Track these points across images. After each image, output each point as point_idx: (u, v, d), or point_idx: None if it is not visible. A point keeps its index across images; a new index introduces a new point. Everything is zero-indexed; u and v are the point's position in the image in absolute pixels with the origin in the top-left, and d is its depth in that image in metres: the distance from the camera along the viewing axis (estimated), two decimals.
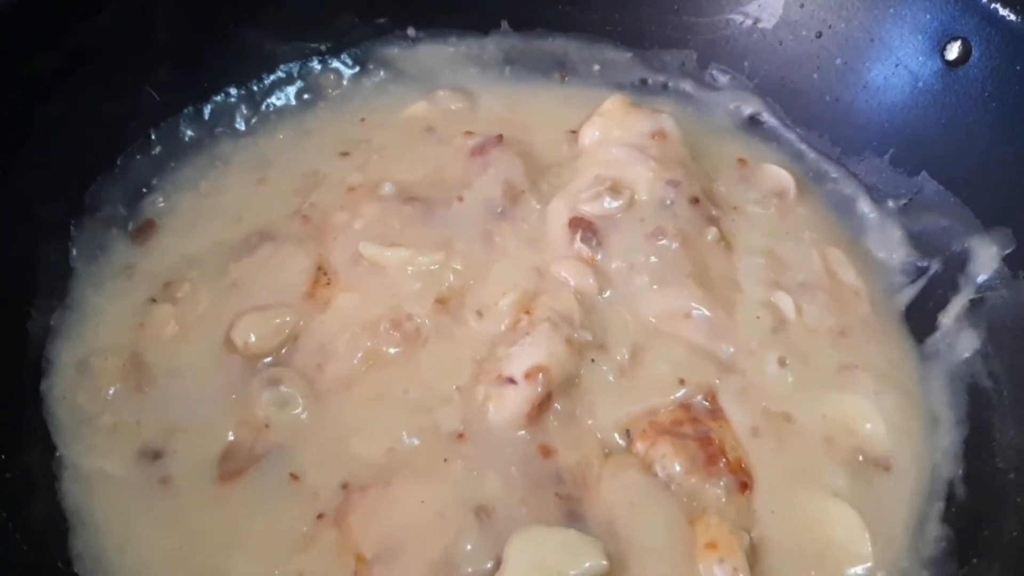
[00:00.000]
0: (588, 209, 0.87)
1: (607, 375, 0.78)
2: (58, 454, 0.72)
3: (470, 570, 0.65)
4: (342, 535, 0.68)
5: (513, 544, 0.65)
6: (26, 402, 0.74)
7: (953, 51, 0.84)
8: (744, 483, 0.73)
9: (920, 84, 0.87)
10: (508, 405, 0.74)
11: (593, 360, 0.79)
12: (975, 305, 0.79)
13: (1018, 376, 0.73)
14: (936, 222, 0.85)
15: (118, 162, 0.88)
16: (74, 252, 0.83)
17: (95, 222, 0.85)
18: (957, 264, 0.82)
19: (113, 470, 0.72)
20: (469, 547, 0.66)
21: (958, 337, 0.79)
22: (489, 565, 0.65)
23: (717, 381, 0.79)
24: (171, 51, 0.90)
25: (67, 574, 0.66)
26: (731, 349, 0.81)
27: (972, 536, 0.68)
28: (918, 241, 0.86)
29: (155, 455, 0.73)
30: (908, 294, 0.85)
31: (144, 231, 0.88)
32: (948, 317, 0.81)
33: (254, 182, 0.93)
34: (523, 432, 0.74)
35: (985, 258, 0.79)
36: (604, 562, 0.65)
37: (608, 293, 0.83)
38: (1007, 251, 0.78)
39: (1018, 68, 0.79)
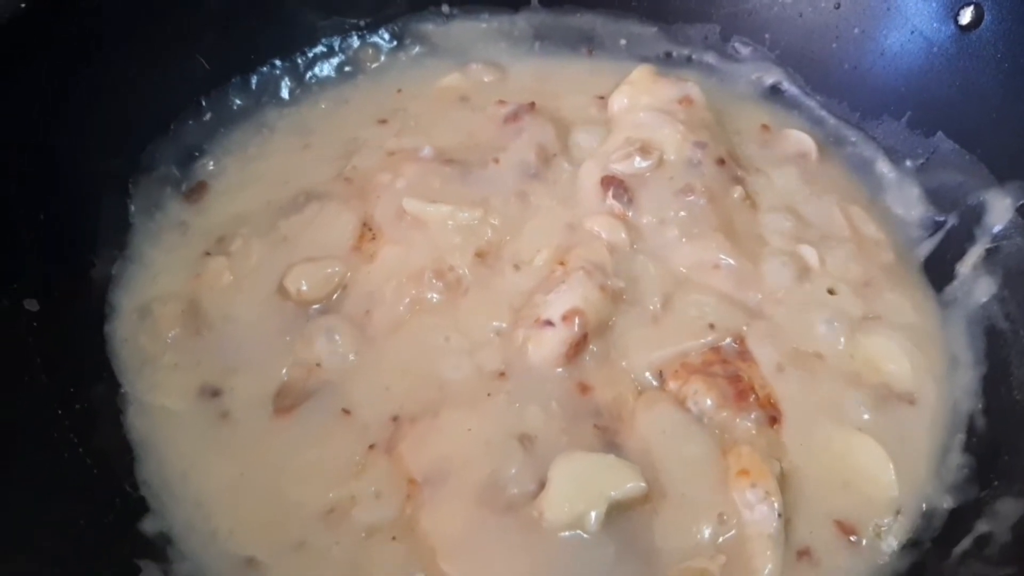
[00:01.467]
0: (619, 168, 0.91)
1: (640, 320, 0.82)
2: (123, 391, 0.76)
3: (516, 491, 0.69)
4: (393, 462, 0.72)
5: (556, 467, 0.69)
6: (90, 343, 0.78)
7: (966, 16, 0.88)
8: (773, 417, 0.76)
9: (935, 49, 0.91)
10: (546, 345, 0.78)
11: (626, 306, 0.82)
12: (991, 254, 0.83)
13: None
14: (952, 178, 0.88)
15: (171, 127, 0.93)
16: (132, 208, 0.87)
17: (151, 181, 0.89)
18: (973, 217, 0.85)
19: (175, 406, 0.76)
20: (514, 471, 0.70)
21: (975, 284, 0.83)
22: (533, 487, 0.69)
23: (745, 327, 0.82)
24: (220, 23, 0.95)
25: (135, 497, 0.70)
26: (759, 296, 0.84)
27: (992, 462, 0.71)
28: (935, 197, 0.90)
29: (214, 392, 0.77)
30: (927, 247, 0.89)
31: (196, 191, 0.92)
32: (965, 266, 0.84)
33: (299, 147, 0.98)
34: (561, 370, 0.78)
35: (1000, 209, 0.83)
36: (643, 484, 0.69)
37: (639, 246, 0.87)
38: (1021, 202, 0.82)
39: None
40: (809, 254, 0.87)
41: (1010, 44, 0.85)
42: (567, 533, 0.66)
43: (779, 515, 0.68)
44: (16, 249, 0.75)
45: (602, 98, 1.02)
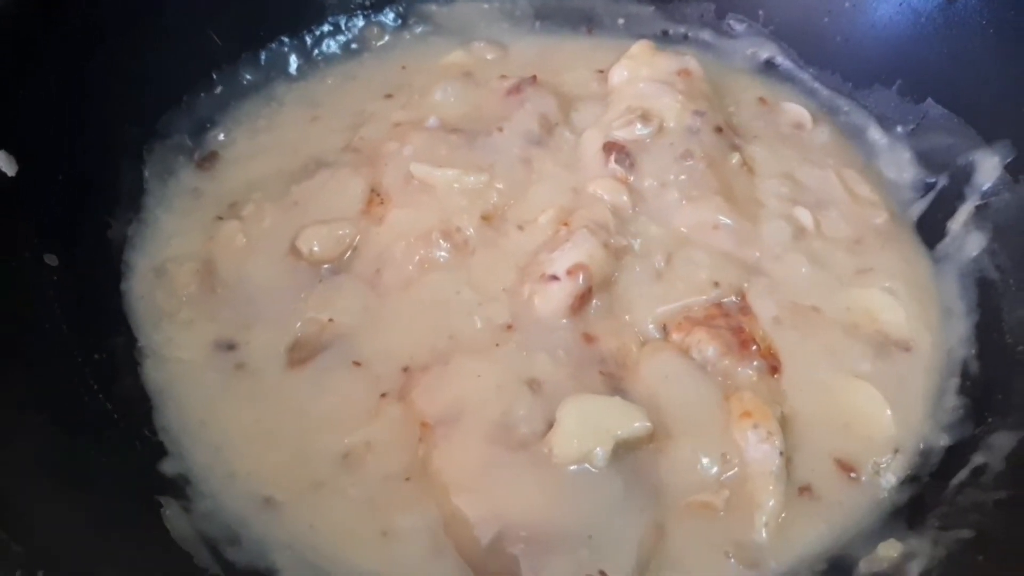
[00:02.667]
0: (620, 135, 0.94)
1: (642, 277, 0.84)
2: (140, 344, 0.78)
3: (525, 430, 0.71)
4: (405, 408, 0.74)
5: (564, 408, 0.71)
6: (108, 298, 0.80)
7: None
8: (774, 367, 0.79)
9: (923, 19, 0.94)
10: (552, 298, 0.80)
11: (628, 264, 0.85)
12: (980, 210, 0.86)
13: (1022, 264, 0.79)
14: (942, 141, 0.91)
15: (184, 99, 0.96)
16: (146, 174, 0.90)
17: (164, 149, 0.92)
18: (963, 176, 0.88)
19: (191, 358, 0.78)
20: (523, 412, 0.72)
21: (966, 239, 0.86)
22: (542, 426, 0.71)
23: (746, 284, 0.84)
24: (232, 1, 0.98)
25: (154, 441, 0.72)
26: (757, 254, 0.87)
27: (986, 401, 0.74)
28: (926, 160, 0.93)
29: (229, 346, 0.79)
30: (919, 208, 0.92)
31: (208, 160, 0.95)
32: (956, 223, 0.87)
33: (307, 119, 1.00)
34: (566, 321, 0.80)
35: (988, 168, 0.86)
36: (648, 424, 0.71)
37: (640, 208, 0.89)
38: (1008, 159, 0.85)
39: None
40: (805, 215, 0.90)
41: (994, 11, 0.88)
42: (575, 467, 0.68)
43: (780, 453, 0.71)
44: (36, 207, 0.77)
45: (602, 72, 1.04)
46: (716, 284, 0.84)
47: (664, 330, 0.81)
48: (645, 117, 0.94)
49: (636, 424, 0.71)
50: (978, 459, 0.69)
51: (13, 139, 0.75)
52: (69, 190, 0.80)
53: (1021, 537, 0.60)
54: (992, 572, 0.59)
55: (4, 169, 0.74)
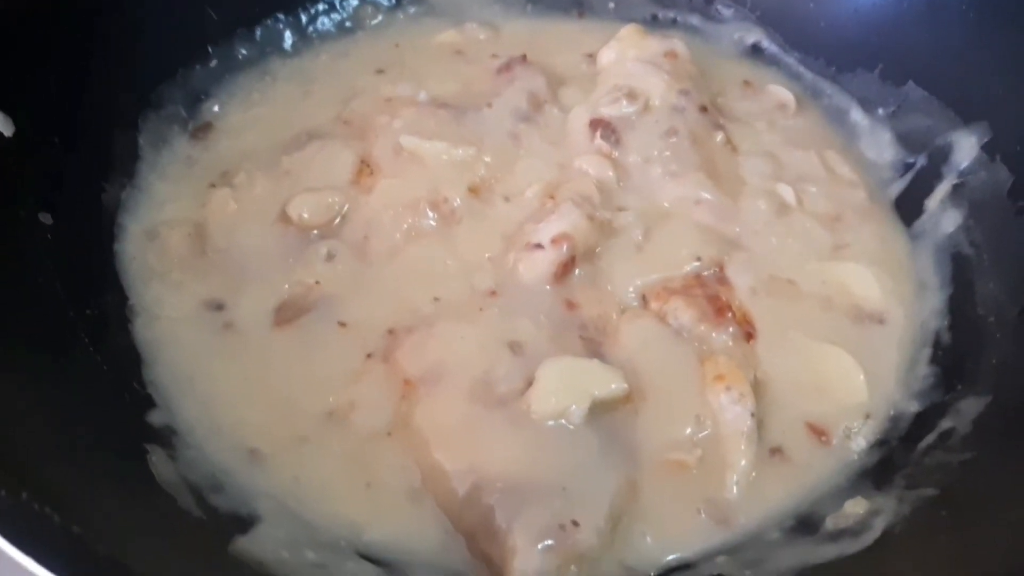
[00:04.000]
0: (607, 112, 0.95)
1: (625, 249, 0.86)
2: (131, 302, 0.80)
3: (505, 388, 0.72)
4: (389, 368, 0.76)
5: (544, 368, 0.73)
6: (100, 258, 0.82)
7: None
8: (749, 333, 0.81)
9: (905, 4, 0.96)
10: (536, 265, 0.82)
11: (612, 237, 0.87)
12: (957, 189, 0.88)
13: (996, 240, 0.82)
14: (921, 123, 0.93)
15: (179, 71, 0.97)
16: (141, 141, 0.91)
17: (159, 118, 0.94)
18: (941, 156, 0.90)
19: (180, 317, 0.80)
20: (504, 371, 0.74)
21: (943, 216, 0.88)
22: (522, 384, 0.72)
23: (725, 257, 0.86)
24: None
25: (143, 394, 0.73)
26: (737, 229, 0.89)
27: (956, 370, 0.75)
28: (906, 140, 0.95)
29: (218, 306, 0.81)
30: (898, 187, 0.93)
31: (202, 130, 0.97)
32: (933, 201, 0.89)
33: (300, 94, 1.02)
34: (549, 288, 0.81)
35: (966, 148, 0.88)
36: (624, 385, 0.73)
37: (625, 183, 0.91)
38: (985, 140, 0.86)
39: None
40: (786, 192, 0.92)
41: None
42: (552, 423, 0.70)
43: (752, 415, 0.72)
44: (32, 168, 0.78)
45: (591, 56, 1.06)
46: (696, 257, 0.85)
47: (644, 300, 0.83)
48: (631, 95, 0.96)
49: (613, 385, 0.73)
50: (946, 424, 0.71)
51: (10, 101, 0.77)
52: (64, 153, 0.82)
53: (983, 494, 0.62)
54: (953, 527, 0.60)
55: (1, 129, 0.76)
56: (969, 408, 0.70)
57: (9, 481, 0.47)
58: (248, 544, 0.61)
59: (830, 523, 0.66)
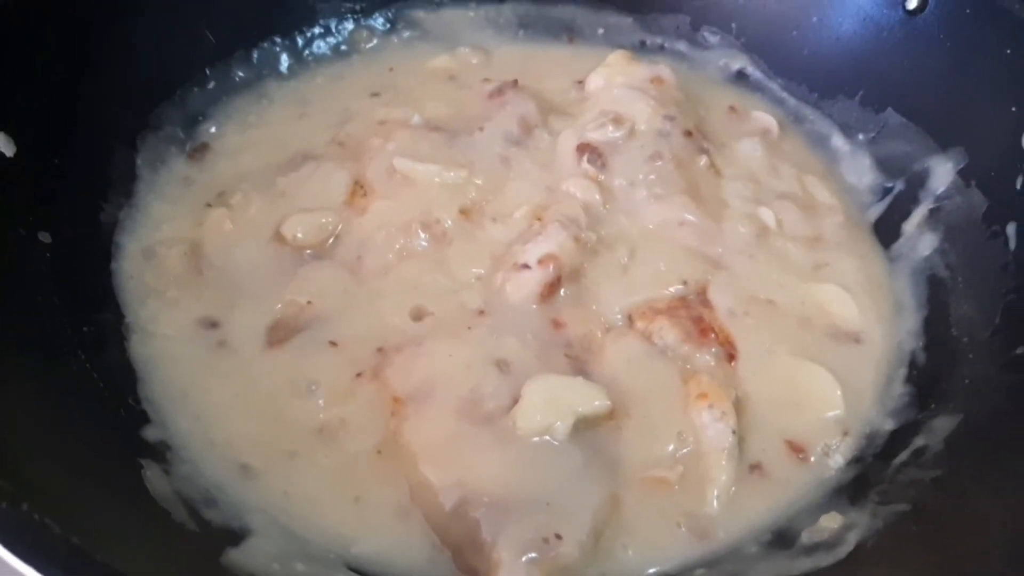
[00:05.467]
0: (594, 136, 0.98)
1: (610, 270, 0.88)
2: (127, 320, 0.82)
3: (491, 406, 0.74)
4: (380, 385, 0.78)
5: (529, 385, 0.75)
6: (98, 277, 0.84)
7: (912, 1, 0.96)
8: (731, 354, 0.83)
9: (885, 33, 0.99)
10: (523, 285, 0.84)
11: (597, 258, 0.89)
12: (933, 213, 0.90)
13: (970, 263, 0.84)
14: (900, 148, 0.96)
15: (177, 92, 1.00)
16: (139, 161, 0.93)
17: (157, 139, 0.96)
18: (918, 181, 0.93)
19: (176, 335, 0.82)
20: (491, 389, 0.75)
21: (919, 240, 0.90)
22: (508, 402, 0.74)
23: (709, 278, 0.89)
24: (227, 1, 1.03)
25: (138, 410, 0.75)
26: (720, 250, 0.91)
27: (930, 389, 0.78)
28: (884, 166, 0.98)
29: (212, 324, 0.83)
30: (876, 211, 0.96)
31: (199, 151, 0.99)
32: (911, 225, 0.92)
33: (296, 116, 1.05)
34: (536, 307, 0.84)
35: (942, 173, 0.91)
36: (608, 402, 0.75)
37: (611, 205, 0.93)
38: (961, 165, 0.89)
39: (968, 11, 0.91)
40: (767, 215, 0.94)
41: (952, 26, 0.93)
42: (537, 439, 0.72)
43: (733, 432, 0.75)
44: (32, 187, 0.80)
45: (580, 82, 1.09)
46: (679, 277, 0.88)
47: (629, 319, 0.85)
48: (618, 120, 0.99)
49: (596, 402, 0.75)
50: (919, 441, 0.73)
51: (11, 122, 0.79)
52: (64, 173, 0.84)
53: (952, 509, 0.64)
54: (924, 540, 0.62)
55: (2, 149, 0.78)
56: (942, 426, 0.72)
57: (10, 492, 0.49)
58: (240, 557, 0.63)
59: (805, 537, 0.68)
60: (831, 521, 0.68)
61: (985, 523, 0.59)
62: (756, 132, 1.05)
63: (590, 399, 0.75)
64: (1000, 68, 0.87)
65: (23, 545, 0.45)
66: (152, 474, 0.68)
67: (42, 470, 0.57)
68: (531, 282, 0.84)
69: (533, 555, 0.64)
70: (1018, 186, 0.82)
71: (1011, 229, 0.81)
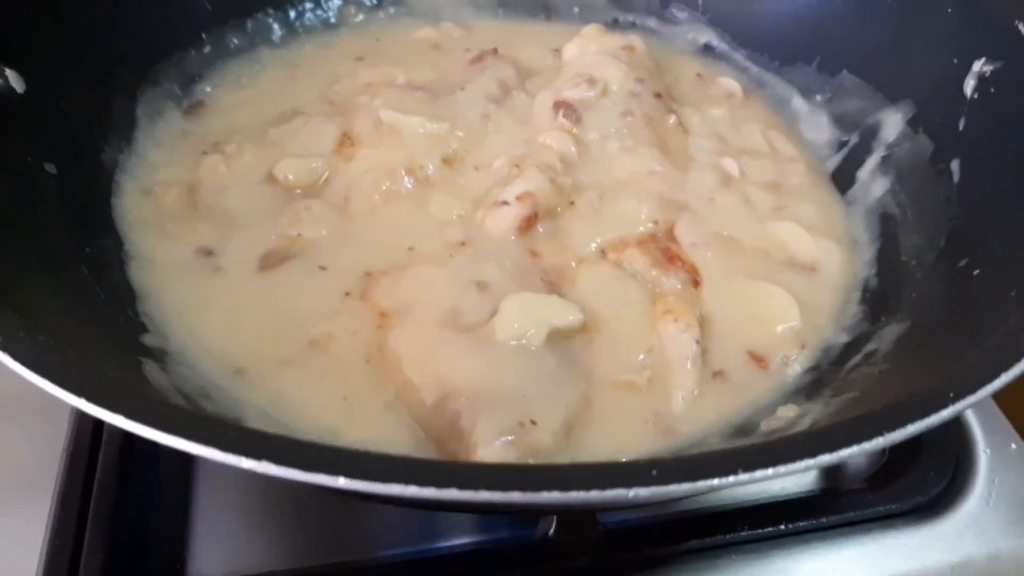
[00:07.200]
0: (569, 95, 1.04)
1: (584, 212, 0.94)
2: (126, 248, 0.87)
3: (472, 319, 0.79)
4: (366, 304, 0.83)
5: (507, 301, 0.79)
6: (99, 209, 0.88)
7: None
8: (696, 280, 0.88)
9: (838, 3, 1.07)
10: (502, 219, 0.90)
11: (572, 200, 0.95)
12: (885, 160, 0.97)
13: (919, 199, 0.90)
14: (854, 105, 1.03)
15: (176, 53, 1.05)
16: (139, 112, 0.99)
17: (156, 93, 1.01)
18: (871, 133, 0.99)
19: (173, 262, 0.86)
20: (471, 305, 0.80)
21: (872, 184, 0.96)
22: (487, 315, 0.79)
23: (675, 219, 0.94)
24: None
25: (137, 320, 0.79)
26: (686, 196, 0.97)
27: (881, 306, 0.83)
28: (840, 122, 1.04)
29: (208, 253, 0.88)
30: (833, 162, 1.03)
31: (195, 108, 1.04)
32: (864, 172, 0.98)
33: (287, 79, 1.11)
34: (514, 239, 0.89)
35: (892, 124, 0.97)
36: (581, 316, 0.80)
37: (584, 156, 0.99)
38: (910, 116, 0.96)
39: None
40: (730, 165, 1.01)
41: None
42: (514, 343, 0.76)
43: (697, 342, 0.80)
44: (40, 124, 0.85)
45: (557, 50, 1.16)
46: (649, 218, 0.93)
47: (602, 253, 0.90)
48: (592, 81, 1.05)
49: (571, 316, 0.80)
50: (870, 347, 0.78)
51: (22, 62, 0.84)
52: (69, 115, 0.89)
53: (896, 391, 0.69)
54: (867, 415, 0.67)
55: (15, 86, 0.83)
56: (891, 332, 0.78)
57: (28, 325, 0.53)
58: None
59: (763, 426, 0.73)
60: (788, 411, 0.73)
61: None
62: (721, 96, 1.12)
63: (564, 313, 0.80)
64: (942, 25, 0.93)
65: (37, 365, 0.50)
66: (150, 369, 0.72)
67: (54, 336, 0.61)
68: (510, 216, 0.90)
69: (510, 437, 0.69)
70: (961, 127, 0.88)
71: (955, 164, 0.87)
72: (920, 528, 0.83)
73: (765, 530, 0.81)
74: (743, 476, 0.45)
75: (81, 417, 0.86)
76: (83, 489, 0.80)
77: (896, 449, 0.89)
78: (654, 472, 0.45)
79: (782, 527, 0.81)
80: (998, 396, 0.86)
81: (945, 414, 0.48)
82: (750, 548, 0.81)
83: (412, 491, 0.43)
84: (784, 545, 0.81)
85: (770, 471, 0.45)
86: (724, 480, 0.45)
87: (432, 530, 0.83)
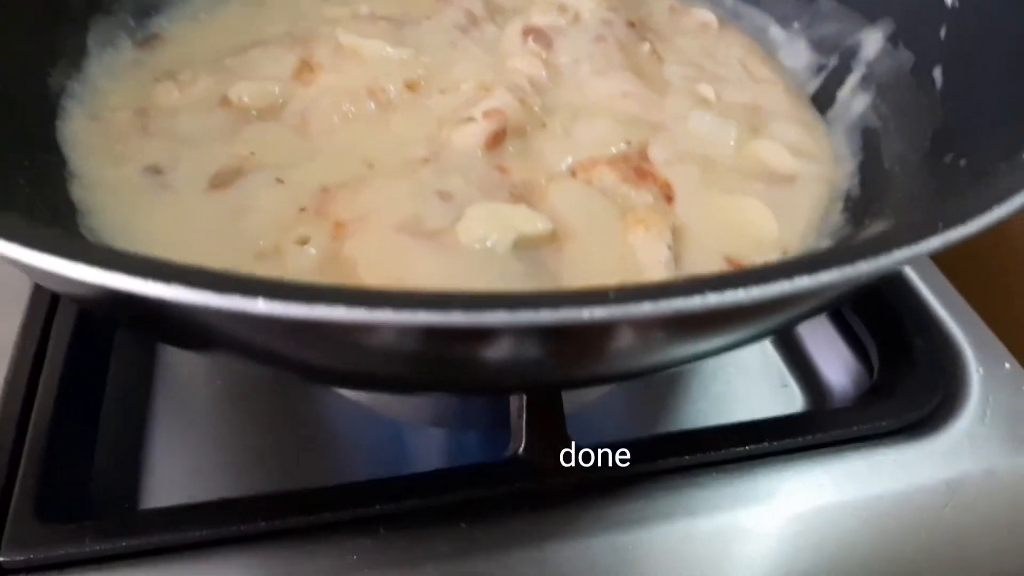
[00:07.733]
0: (539, 21, 1.01)
1: (555, 133, 0.90)
2: (69, 167, 0.82)
3: (433, 225, 0.75)
4: (321, 217, 0.78)
5: (472, 208, 0.75)
6: (43, 129, 0.84)
7: None
8: (668, 196, 0.84)
9: None
10: (469, 135, 0.85)
11: (542, 122, 0.91)
12: (866, 77, 0.93)
13: (899, 111, 0.87)
14: (833, 29, 1.00)
15: None
16: (89, 41, 0.94)
17: (108, 23, 0.97)
18: (850, 54, 0.96)
19: (119, 181, 0.82)
20: (434, 213, 0.76)
21: (853, 101, 0.93)
22: (451, 223, 0.75)
23: (649, 139, 0.90)
24: None
25: (76, 235, 0.75)
26: (661, 117, 0.93)
27: (864, 210, 0.79)
28: (819, 46, 1.01)
29: (156, 171, 0.83)
30: (813, 85, 0.99)
31: (150, 40, 1.00)
32: (845, 91, 0.95)
33: (247, 16, 1.06)
34: (482, 154, 0.85)
35: (872, 42, 0.94)
36: (550, 225, 0.76)
37: (556, 80, 0.96)
38: (889, 32, 0.93)
39: None
40: (707, 90, 0.97)
41: None
42: (479, 247, 0.72)
43: (669, 247, 0.76)
44: None
45: None
46: (622, 138, 0.89)
47: (572, 173, 0.86)
48: (563, 8, 1.02)
49: (539, 224, 0.76)
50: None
51: None
52: (12, 36, 0.85)
53: None
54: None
55: None
56: (875, 231, 0.74)
57: None
58: None
59: None
60: None
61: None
62: (697, 27, 1.09)
63: (532, 220, 0.76)
64: None
65: None
66: None
67: None
68: (477, 131, 0.85)
69: None
70: (942, 36, 0.85)
71: (937, 72, 0.83)
72: (913, 445, 0.78)
73: (748, 447, 0.76)
74: (711, 297, 0.40)
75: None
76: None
77: (885, 369, 0.85)
78: (611, 295, 0.40)
79: (766, 444, 0.76)
80: (989, 317, 0.83)
81: (936, 242, 0.44)
82: (733, 467, 0.76)
83: (340, 313, 0.39)
84: (769, 463, 0.77)
85: (741, 292, 0.41)
86: (689, 301, 0.40)
87: (398, 456, 0.78)
